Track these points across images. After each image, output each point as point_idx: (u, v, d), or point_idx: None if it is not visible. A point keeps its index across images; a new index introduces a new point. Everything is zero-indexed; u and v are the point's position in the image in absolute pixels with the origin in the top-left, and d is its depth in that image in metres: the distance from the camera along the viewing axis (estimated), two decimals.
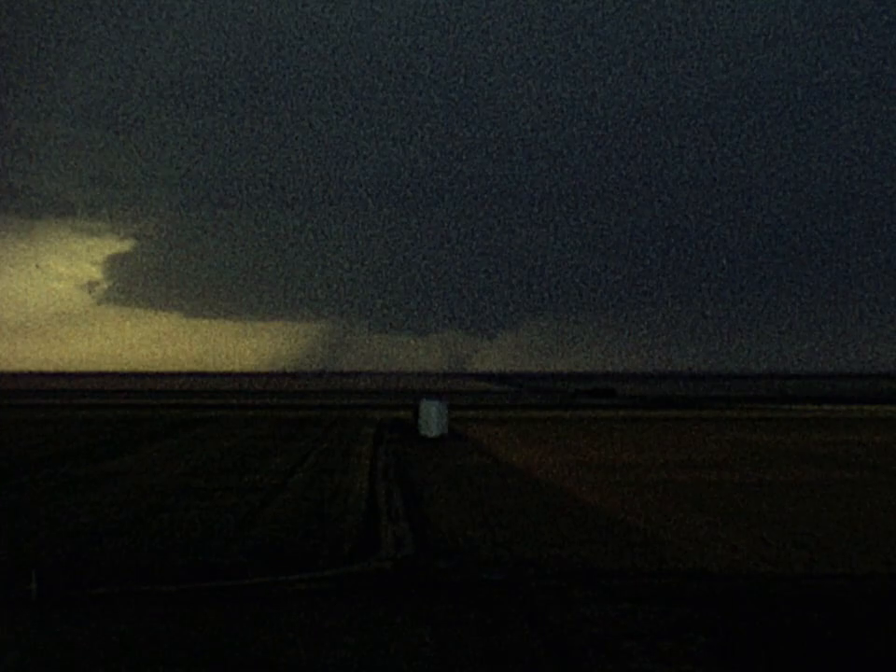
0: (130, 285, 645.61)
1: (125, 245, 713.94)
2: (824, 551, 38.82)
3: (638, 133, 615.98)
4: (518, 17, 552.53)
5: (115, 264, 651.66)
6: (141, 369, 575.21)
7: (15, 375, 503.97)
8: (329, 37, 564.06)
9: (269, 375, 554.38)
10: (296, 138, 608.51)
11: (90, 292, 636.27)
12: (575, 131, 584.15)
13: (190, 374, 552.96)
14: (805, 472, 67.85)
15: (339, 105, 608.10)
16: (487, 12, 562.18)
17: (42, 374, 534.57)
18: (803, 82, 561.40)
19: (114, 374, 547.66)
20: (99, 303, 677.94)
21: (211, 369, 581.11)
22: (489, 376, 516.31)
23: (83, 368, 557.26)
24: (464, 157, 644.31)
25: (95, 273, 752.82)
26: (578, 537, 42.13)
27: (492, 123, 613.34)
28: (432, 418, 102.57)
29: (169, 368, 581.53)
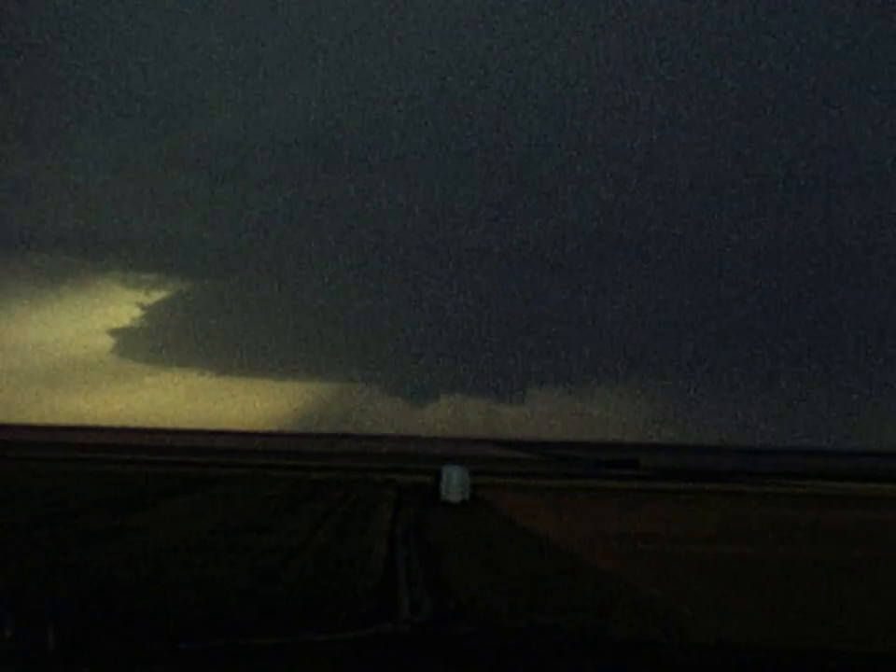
0: (153, 342, 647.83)
1: (152, 300, 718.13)
2: (843, 628, 38.60)
3: (659, 197, 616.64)
4: (552, 61, 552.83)
5: (143, 320, 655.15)
6: (163, 425, 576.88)
7: (40, 428, 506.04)
8: (341, 104, 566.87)
9: (291, 435, 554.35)
10: (320, 207, 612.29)
11: (115, 350, 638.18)
12: (595, 187, 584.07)
13: (211, 432, 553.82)
14: (825, 549, 67.36)
15: (361, 175, 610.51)
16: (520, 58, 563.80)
17: (67, 428, 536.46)
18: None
19: (137, 430, 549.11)
20: (124, 357, 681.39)
21: (228, 426, 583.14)
22: (509, 443, 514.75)
23: (104, 423, 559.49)
24: (477, 222, 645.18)
25: (124, 325, 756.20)
26: (596, 606, 42.00)
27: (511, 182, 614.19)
28: (454, 484, 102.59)
29: (190, 425, 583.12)
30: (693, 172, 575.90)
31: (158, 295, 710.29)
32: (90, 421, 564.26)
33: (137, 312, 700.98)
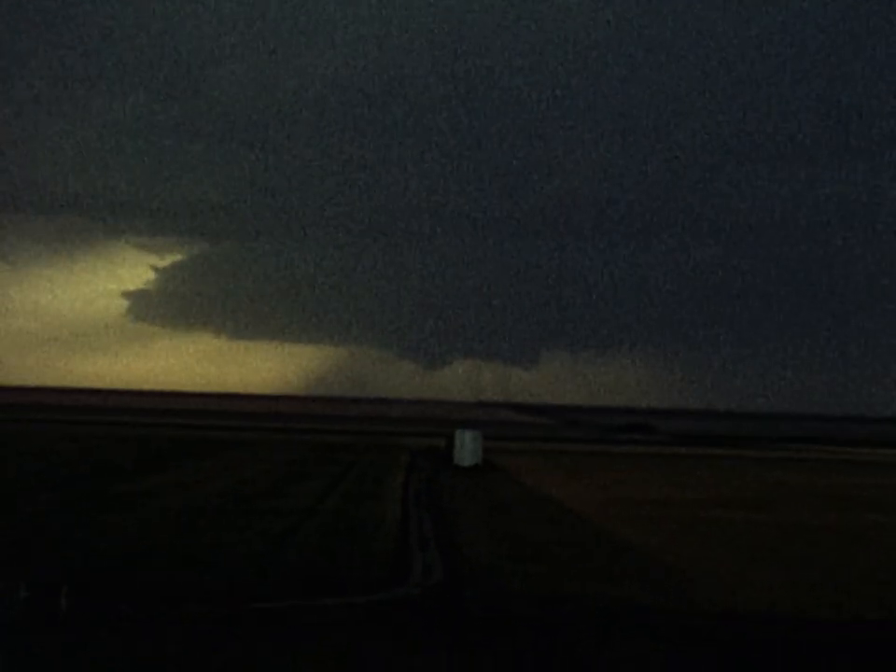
0: (167, 305, 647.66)
1: (166, 262, 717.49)
2: (856, 595, 38.24)
3: (672, 164, 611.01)
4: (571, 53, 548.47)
5: (157, 283, 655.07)
6: (176, 388, 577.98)
7: (55, 390, 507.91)
8: (357, 70, 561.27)
9: (314, 399, 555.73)
10: (334, 171, 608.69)
11: (128, 312, 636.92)
12: (617, 159, 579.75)
13: (224, 395, 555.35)
14: (840, 515, 67.03)
15: (376, 140, 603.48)
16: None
17: (80, 390, 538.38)
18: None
19: (150, 393, 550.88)
20: (138, 320, 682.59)
21: (241, 390, 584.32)
22: (522, 407, 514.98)
23: (118, 385, 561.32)
24: (492, 186, 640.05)
25: (139, 287, 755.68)
26: (610, 573, 41.70)
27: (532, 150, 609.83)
28: (466, 448, 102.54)
29: (203, 388, 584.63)
30: (701, 139, 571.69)
31: (172, 258, 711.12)
32: (103, 383, 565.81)
33: (151, 275, 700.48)
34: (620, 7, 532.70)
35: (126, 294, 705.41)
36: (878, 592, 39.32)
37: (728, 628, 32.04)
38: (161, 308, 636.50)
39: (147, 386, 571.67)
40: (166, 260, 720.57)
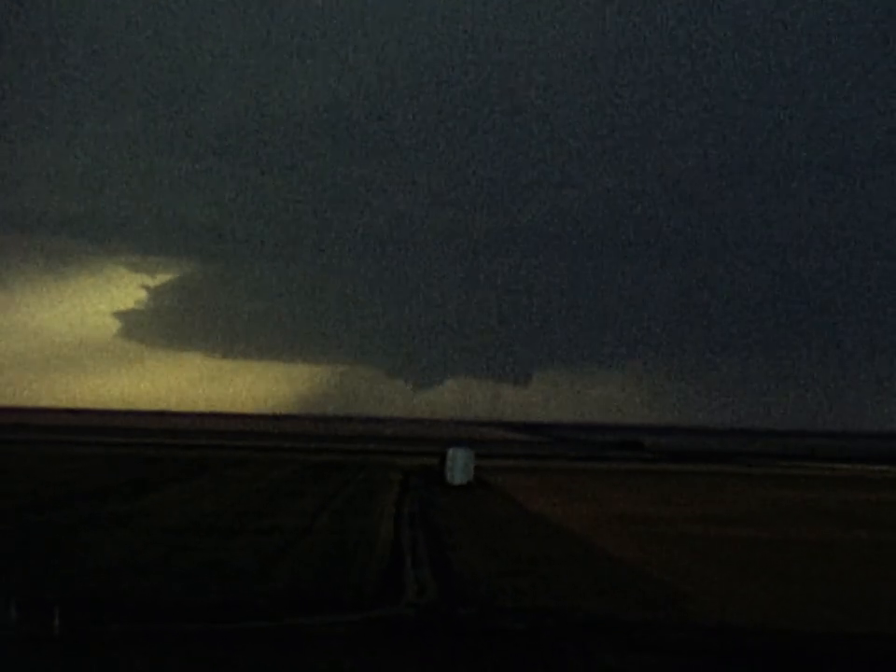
0: (159, 325, 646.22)
1: (157, 282, 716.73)
2: (849, 610, 38.55)
3: (662, 181, 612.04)
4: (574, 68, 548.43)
5: (149, 302, 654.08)
6: (168, 408, 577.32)
7: (46, 411, 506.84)
8: (351, 89, 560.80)
9: (304, 418, 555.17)
10: (325, 190, 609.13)
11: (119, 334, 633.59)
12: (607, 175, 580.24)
13: (216, 415, 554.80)
14: (831, 531, 67.33)
15: (367, 159, 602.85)
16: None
17: (72, 411, 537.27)
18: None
19: (142, 412, 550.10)
20: (129, 340, 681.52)
21: (233, 409, 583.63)
22: (515, 425, 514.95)
23: (110, 405, 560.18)
24: (482, 205, 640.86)
25: (130, 307, 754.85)
26: (601, 588, 41.98)
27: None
28: (458, 466, 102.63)
29: (195, 408, 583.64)
30: (694, 157, 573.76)
31: (163, 277, 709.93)
32: (95, 403, 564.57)
33: (143, 294, 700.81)
34: (616, 25, 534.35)
35: (118, 314, 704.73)
36: (871, 606, 39.65)
37: (718, 641, 32.34)
38: (153, 328, 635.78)
39: (139, 406, 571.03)
40: (157, 280, 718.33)
